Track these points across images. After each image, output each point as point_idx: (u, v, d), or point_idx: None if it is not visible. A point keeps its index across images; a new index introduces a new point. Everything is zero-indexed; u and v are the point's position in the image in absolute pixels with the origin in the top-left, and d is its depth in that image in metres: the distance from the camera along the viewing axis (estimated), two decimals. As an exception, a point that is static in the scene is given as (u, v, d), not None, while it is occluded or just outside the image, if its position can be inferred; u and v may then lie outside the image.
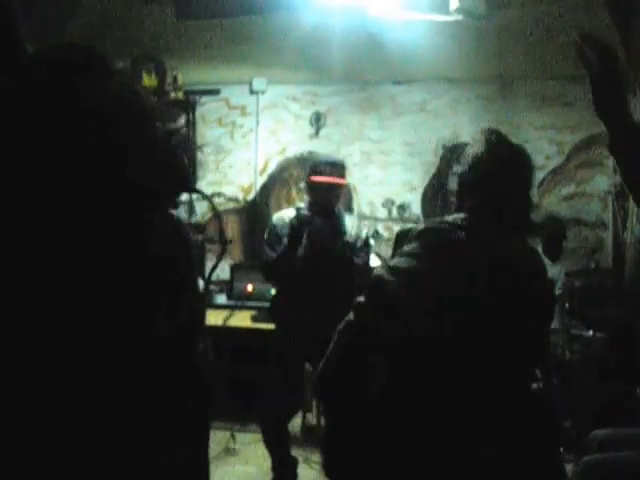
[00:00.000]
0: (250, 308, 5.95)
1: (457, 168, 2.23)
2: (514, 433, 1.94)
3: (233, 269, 6.48)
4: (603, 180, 6.60)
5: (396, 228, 6.17)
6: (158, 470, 1.41)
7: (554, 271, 5.88)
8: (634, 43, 5.93)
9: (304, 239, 4.07)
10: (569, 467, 4.52)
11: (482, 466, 1.90)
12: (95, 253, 1.27)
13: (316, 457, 4.72)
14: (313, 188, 4.13)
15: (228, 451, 5.08)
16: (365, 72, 6.63)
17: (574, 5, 5.58)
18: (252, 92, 7.02)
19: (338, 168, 4.11)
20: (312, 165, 4.20)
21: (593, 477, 2.86)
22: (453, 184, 2.26)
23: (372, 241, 4.54)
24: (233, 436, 5.16)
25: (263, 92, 6.99)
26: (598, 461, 2.87)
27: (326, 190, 4.08)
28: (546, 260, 5.95)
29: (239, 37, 6.53)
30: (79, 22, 6.57)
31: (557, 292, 5.56)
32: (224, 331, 5.53)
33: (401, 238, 2.18)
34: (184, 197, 6.71)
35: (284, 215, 4.25)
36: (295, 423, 5.10)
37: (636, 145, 1.66)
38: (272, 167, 7.01)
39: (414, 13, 5.51)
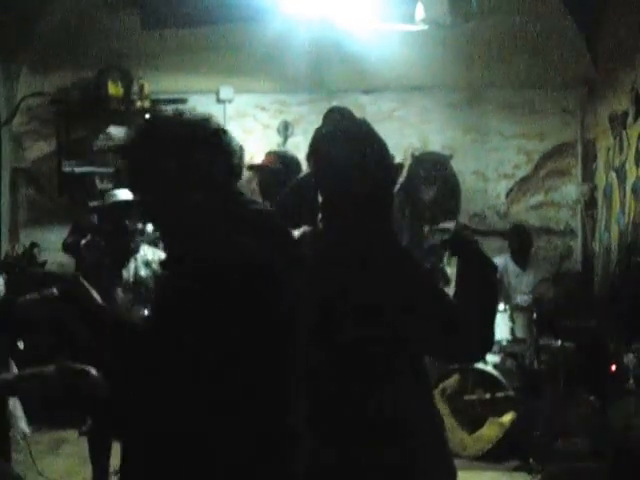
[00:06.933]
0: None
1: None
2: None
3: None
4: (572, 189, 6.61)
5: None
6: None
7: (524, 280, 5.86)
8: (601, 50, 5.96)
9: None
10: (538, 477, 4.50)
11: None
12: None
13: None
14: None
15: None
16: (333, 81, 6.61)
17: (539, 14, 5.60)
18: (219, 101, 6.95)
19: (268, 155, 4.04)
20: None
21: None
22: (426, 194, 2.21)
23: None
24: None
25: (230, 101, 6.93)
26: (560, 471, 2.84)
27: (258, 178, 4.04)
28: (516, 268, 5.96)
29: (206, 46, 6.48)
30: (45, 33, 6.50)
31: (526, 301, 5.53)
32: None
33: None
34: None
35: None
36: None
37: None
38: (240, 177, 6.94)
39: (381, 23, 5.51)
